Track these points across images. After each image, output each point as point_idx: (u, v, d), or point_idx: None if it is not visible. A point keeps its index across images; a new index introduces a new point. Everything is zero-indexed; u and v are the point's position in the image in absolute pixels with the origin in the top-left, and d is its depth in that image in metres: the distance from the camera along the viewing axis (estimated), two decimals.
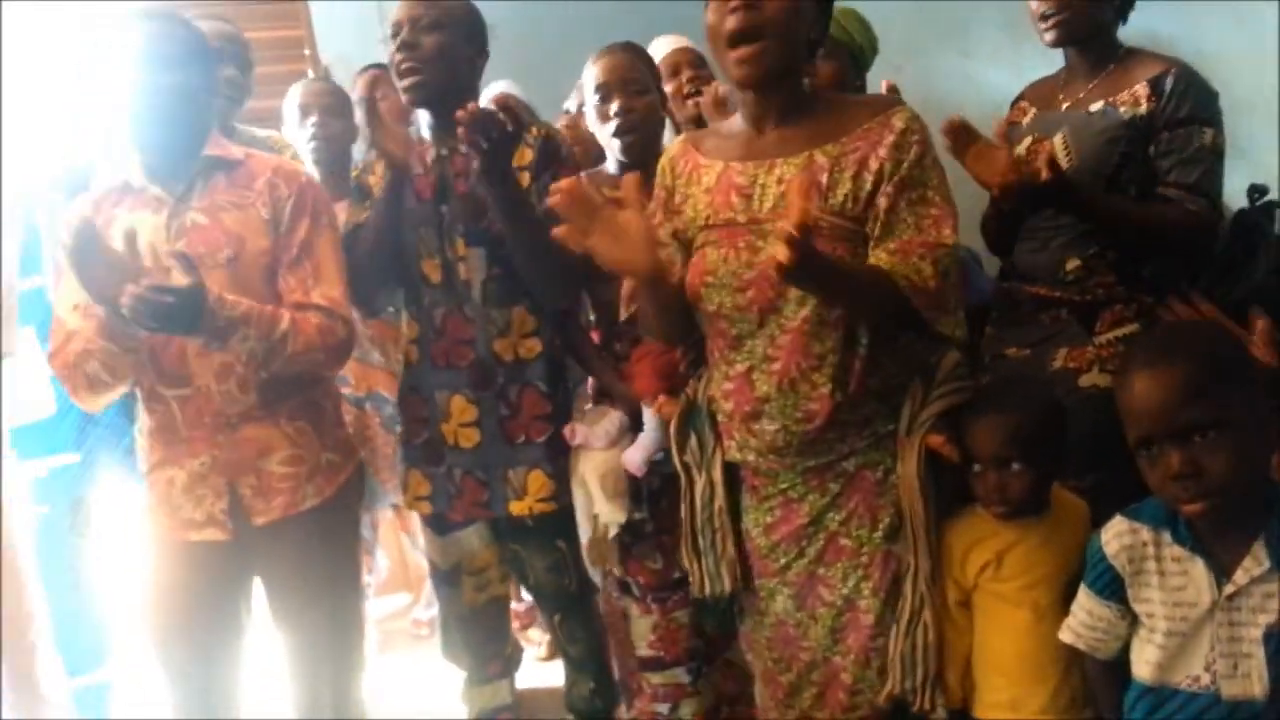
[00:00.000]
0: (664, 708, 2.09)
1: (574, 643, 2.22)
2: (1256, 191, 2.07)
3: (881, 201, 1.51)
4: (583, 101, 2.66)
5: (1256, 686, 1.28)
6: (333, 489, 1.94)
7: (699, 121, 2.23)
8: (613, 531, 2.01)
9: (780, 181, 1.54)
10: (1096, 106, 1.96)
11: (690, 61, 2.40)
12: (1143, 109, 1.91)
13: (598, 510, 1.99)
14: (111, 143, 1.95)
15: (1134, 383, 1.29)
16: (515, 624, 2.64)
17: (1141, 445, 1.29)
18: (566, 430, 2.03)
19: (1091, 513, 1.59)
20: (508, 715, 2.31)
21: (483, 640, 2.25)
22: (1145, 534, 1.36)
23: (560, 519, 2.05)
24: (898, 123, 1.52)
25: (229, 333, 1.72)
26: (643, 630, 2.07)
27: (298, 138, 2.66)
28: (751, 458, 1.64)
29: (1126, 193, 1.95)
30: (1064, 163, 1.95)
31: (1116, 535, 1.38)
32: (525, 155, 1.96)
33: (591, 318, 2.15)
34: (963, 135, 1.88)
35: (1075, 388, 1.93)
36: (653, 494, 2.01)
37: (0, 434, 2.18)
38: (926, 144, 1.53)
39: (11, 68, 2.48)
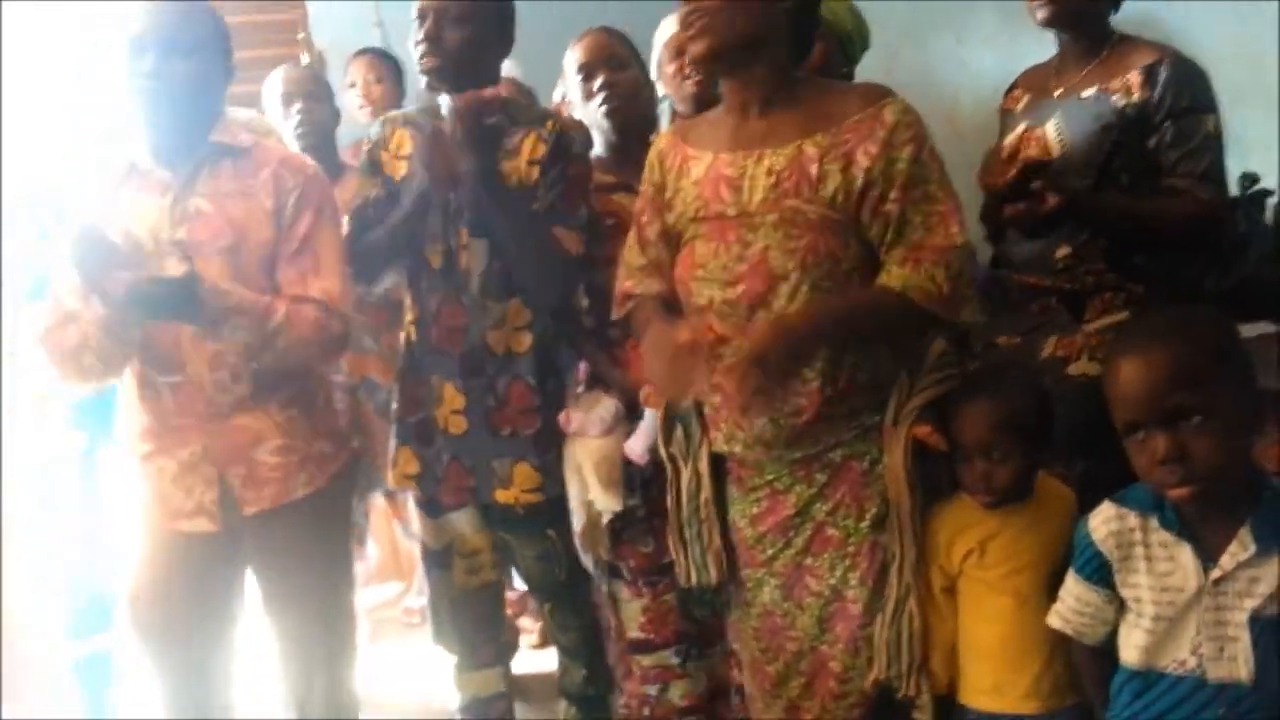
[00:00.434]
0: (653, 689, 2.09)
1: (565, 631, 2.23)
2: (1247, 180, 2.08)
3: (891, 209, 1.51)
4: (565, 92, 2.69)
5: (1243, 670, 1.29)
6: (324, 478, 1.94)
7: (699, 99, 2.23)
8: (606, 518, 2.01)
9: (770, 172, 1.54)
10: (1089, 93, 1.95)
11: None
12: (1135, 97, 1.90)
13: (593, 497, 1.99)
14: (118, 124, 1.94)
15: (1121, 368, 1.29)
16: (508, 611, 2.64)
17: (1129, 430, 1.29)
18: (561, 417, 2.02)
19: (1080, 501, 1.59)
20: (502, 704, 2.31)
21: (473, 625, 2.25)
22: (1133, 519, 1.36)
23: (550, 508, 2.05)
24: (889, 116, 1.51)
25: (222, 322, 1.72)
26: (633, 613, 2.07)
27: (282, 125, 2.66)
28: (738, 449, 1.65)
29: (1118, 180, 1.94)
30: (1055, 151, 1.96)
31: (1104, 521, 1.39)
32: (538, 149, 1.96)
33: (585, 303, 2.15)
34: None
35: (1064, 376, 1.93)
36: (645, 479, 2.01)
37: (0, 420, 2.18)
38: (922, 138, 1.52)
39: (11, 68, 2.48)
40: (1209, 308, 1.72)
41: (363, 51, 3.08)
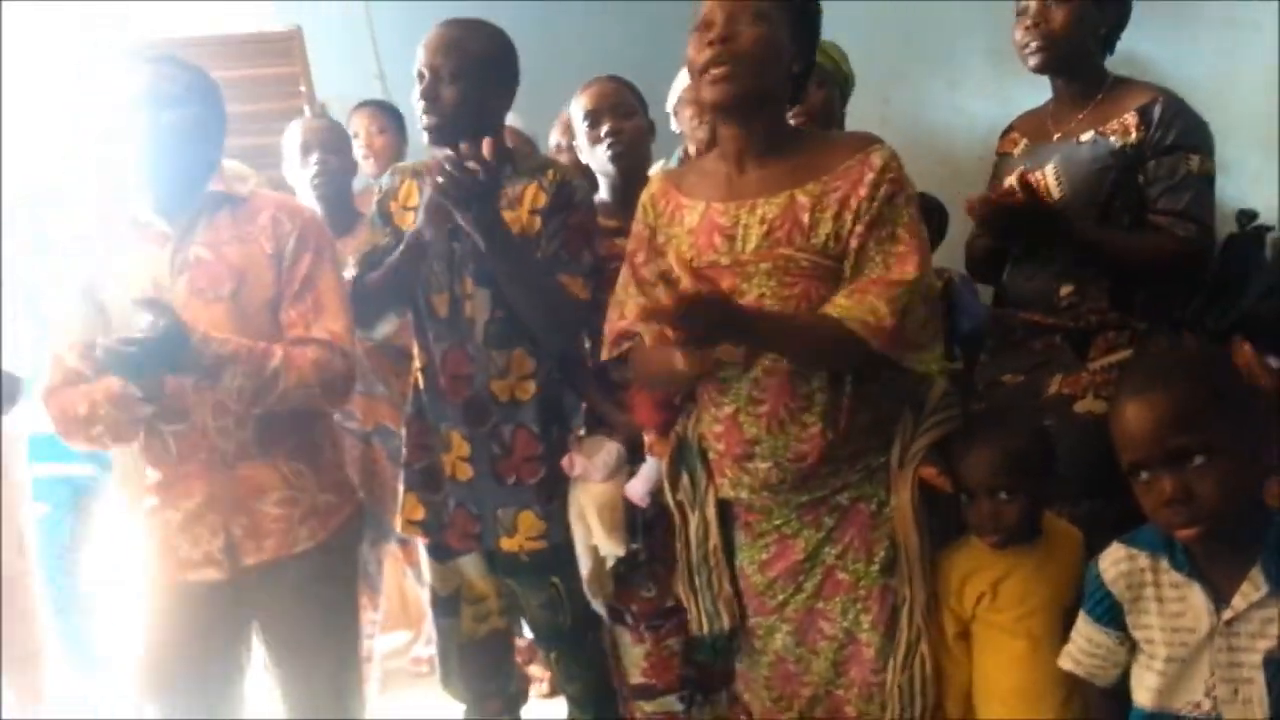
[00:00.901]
0: None
1: (572, 681, 2.20)
2: (1245, 217, 2.09)
3: (853, 242, 1.52)
4: (559, 140, 2.73)
5: (1258, 711, 1.27)
6: (326, 532, 1.93)
7: (712, 144, 2.27)
8: (610, 563, 2.00)
9: (763, 221, 1.55)
10: (1087, 136, 1.97)
11: None
12: (1133, 138, 1.93)
13: (597, 542, 1.99)
14: (113, 177, 1.97)
15: (1125, 409, 1.29)
16: (518, 659, 2.61)
17: (1134, 471, 1.29)
18: (565, 461, 2.02)
19: (1087, 540, 1.59)
20: None
21: (481, 674, 2.23)
22: (1143, 560, 1.35)
23: (554, 556, 2.04)
24: (877, 160, 1.53)
25: (218, 370, 1.73)
26: (635, 658, 2.06)
27: (300, 175, 2.69)
28: (745, 495, 1.64)
29: (1119, 222, 1.96)
30: (1055, 194, 1.97)
31: (1114, 562, 1.38)
32: (539, 198, 1.97)
33: (588, 346, 2.16)
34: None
35: (1070, 414, 1.93)
36: (647, 523, 2.01)
37: (0, 439, 2.17)
38: (901, 182, 1.53)
39: (11, 68, 2.49)
40: (1210, 345, 1.73)
41: (364, 103, 3.12)
